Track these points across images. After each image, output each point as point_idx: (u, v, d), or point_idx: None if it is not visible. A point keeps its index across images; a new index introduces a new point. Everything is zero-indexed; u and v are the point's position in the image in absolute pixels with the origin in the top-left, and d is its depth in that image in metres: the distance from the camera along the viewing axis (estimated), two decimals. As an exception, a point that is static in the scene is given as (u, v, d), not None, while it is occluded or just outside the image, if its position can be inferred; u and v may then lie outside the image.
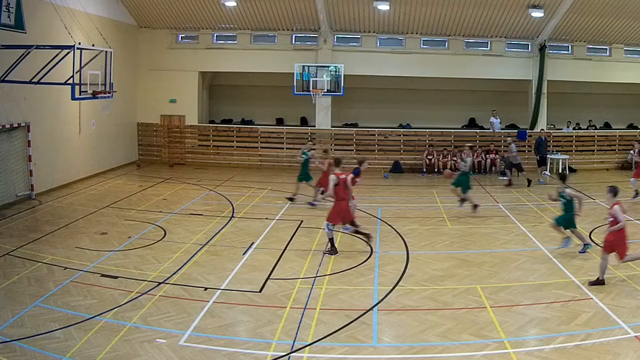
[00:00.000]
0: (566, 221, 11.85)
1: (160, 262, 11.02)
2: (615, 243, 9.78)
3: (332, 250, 11.61)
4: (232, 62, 23.79)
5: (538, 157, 21.07)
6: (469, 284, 9.97)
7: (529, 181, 19.77)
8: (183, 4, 21.91)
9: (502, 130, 23.95)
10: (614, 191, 10.08)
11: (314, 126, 23.98)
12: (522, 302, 9.10)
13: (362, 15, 22.21)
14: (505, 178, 21.56)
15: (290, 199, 16.49)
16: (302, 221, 14.22)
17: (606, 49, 23.81)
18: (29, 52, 14.32)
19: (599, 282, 9.79)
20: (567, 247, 11.78)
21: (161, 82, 23.74)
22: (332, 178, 11.66)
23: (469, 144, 16.65)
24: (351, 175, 11.89)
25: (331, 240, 11.64)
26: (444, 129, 24.10)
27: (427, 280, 10.24)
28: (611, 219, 9.84)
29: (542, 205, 16.56)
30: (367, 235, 11.98)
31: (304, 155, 16.60)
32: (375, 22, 22.70)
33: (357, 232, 11.92)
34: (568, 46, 23.78)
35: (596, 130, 24.71)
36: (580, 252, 11.55)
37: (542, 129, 22.34)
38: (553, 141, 23.71)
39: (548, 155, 22.21)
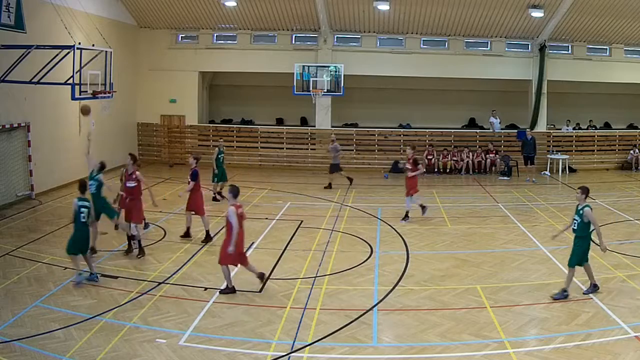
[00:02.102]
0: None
1: (160, 262, 11.03)
2: (223, 248, 9.24)
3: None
4: (232, 62, 23.78)
5: (522, 156, 21.24)
6: (469, 284, 9.98)
7: (329, 185, 19.02)
8: (183, 4, 21.91)
9: (502, 130, 23.95)
10: (232, 192, 9.29)
11: (314, 126, 23.99)
12: (522, 302, 9.11)
13: (362, 15, 22.20)
14: (505, 178, 21.61)
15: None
16: (302, 221, 14.21)
17: (606, 49, 23.80)
18: (29, 52, 14.32)
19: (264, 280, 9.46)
20: (80, 280, 9.71)
21: (161, 82, 23.72)
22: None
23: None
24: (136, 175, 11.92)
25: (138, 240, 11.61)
26: (444, 129, 24.10)
27: (427, 280, 10.24)
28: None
29: (541, 205, 16.58)
30: (129, 245, 11.64)
31: (220, 155, 17.09)
32: (375, 22, 22.70)
33: (132, 237, 11.61)
34: (568, 46, 23.77)
35: (596, 130, 24.70)
36: (87, 280, 9.79)
37: (528, 129, 22.23)
38: (553, 141, 23.72)
39: (548, 156, 22.20)
